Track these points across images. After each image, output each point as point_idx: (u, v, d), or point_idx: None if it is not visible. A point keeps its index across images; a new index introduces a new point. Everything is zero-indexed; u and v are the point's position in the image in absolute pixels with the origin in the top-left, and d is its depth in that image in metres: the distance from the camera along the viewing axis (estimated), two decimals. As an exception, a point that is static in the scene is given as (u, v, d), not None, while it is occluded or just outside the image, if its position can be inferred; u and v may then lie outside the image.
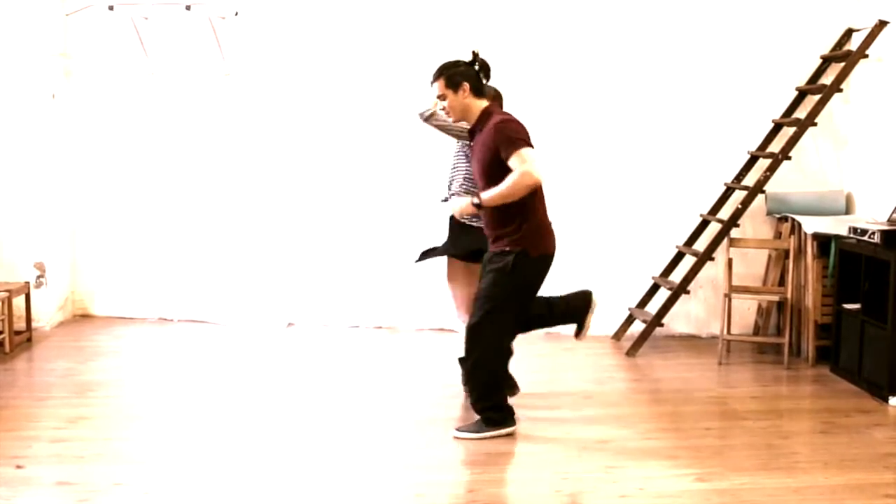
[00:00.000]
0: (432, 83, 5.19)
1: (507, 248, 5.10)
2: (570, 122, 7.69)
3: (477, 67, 5.19)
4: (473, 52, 5.22)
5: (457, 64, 5.18)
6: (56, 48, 7.75)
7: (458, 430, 5.31)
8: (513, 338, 5.44)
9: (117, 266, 8.09)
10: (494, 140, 5.02)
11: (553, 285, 7.62)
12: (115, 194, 8.04)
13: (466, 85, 5.11)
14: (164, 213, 8.03)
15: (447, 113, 5.25)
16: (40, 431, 5.24)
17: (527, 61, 7.63)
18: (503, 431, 5.27)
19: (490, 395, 5.29)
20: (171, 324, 7.98)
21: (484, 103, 5.19)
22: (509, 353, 5.50)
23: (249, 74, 7.86)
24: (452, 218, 5.71)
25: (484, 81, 5.23)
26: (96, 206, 8.06)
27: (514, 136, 5.00)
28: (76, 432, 5.24)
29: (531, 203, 5.07)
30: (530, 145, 5.01)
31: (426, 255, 5.92)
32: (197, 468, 4.78)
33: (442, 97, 5.18)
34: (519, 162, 4.94)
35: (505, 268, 5.08)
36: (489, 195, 5.05)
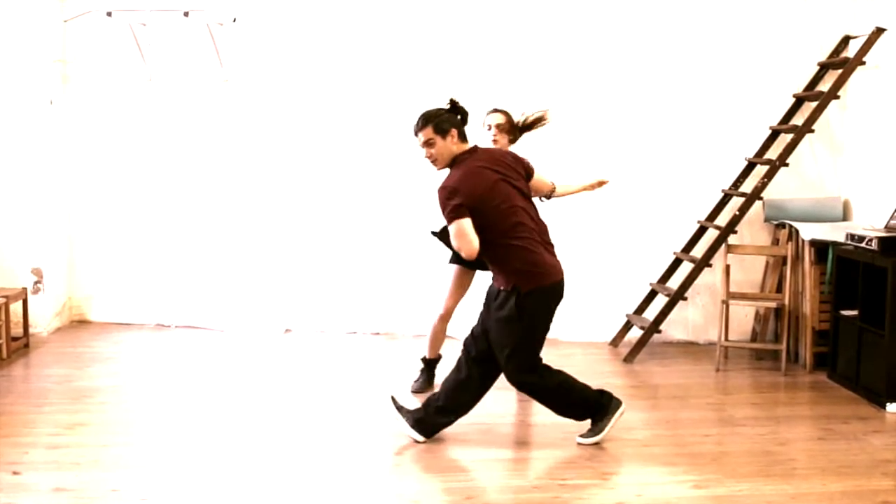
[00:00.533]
0: (417, 132, 5.11)
1: (502, 287, 5.08)
2: (568, 128, 7.69)
3: (458, 115, 5.15)
4: (452, 100, 5.18)
5: (440, 112, 5.12)
6: (54, 54, 7.75)
7: (580, 437, 5.32)
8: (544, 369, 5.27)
9: (115, 272, 8.08)
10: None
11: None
12: (113, 200, 8.03)
13: (454, 131, 5.07)
14: (162, 219, 8.03)
15: (432, 161, 5.16)
16: (37, 438, 5.24)
17: (525, 69, 7.64)
18: (616, 417, 5.30)
19: (575, 408, 5.32)
20: (169, 330, 7.97)
21: (465, 147, 5.13)
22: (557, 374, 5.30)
23: (247, 81, 7.87)
24: None
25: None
26: (94, 212, 8.05)
27: (444, 205, 4.94)
28: (73, 439, 5.23)
29: (510, 245, 4.99)
30: (461, 214, 4.89)
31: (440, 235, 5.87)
32: (194, 474, 4.78)
33: (429, 143, 5.08)
34: (453, 234, 4.94)
35: (507, 314, 5.03)
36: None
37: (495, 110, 6.08)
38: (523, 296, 4.99)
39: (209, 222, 8.00)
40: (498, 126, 5.98)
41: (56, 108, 7.79)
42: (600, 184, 6.19)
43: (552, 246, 5.17)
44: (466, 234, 4.89)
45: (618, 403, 5.33)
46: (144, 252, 8.05)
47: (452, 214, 4.90)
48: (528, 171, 5.28)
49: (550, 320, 5.17)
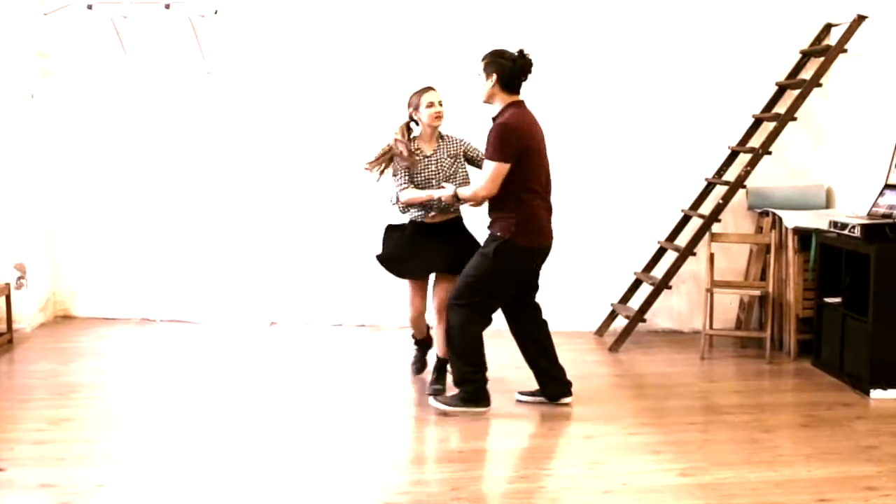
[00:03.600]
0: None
1: (498, 234, 5.43)
2: (551, 118, 7.67)
3: (515, 64, 5.43)
4: (520, 51, 5.49)
5: (502, 54, 5.48)
6: (34, 48, 7.70)
7: (435, 398, 5.66)
8: (487, 322, 5.64)
9: (98, 266, 8.05)
10: (488, 136, 5.43)
11: (540, 282, 7.66)
12: (96, 194, 8.00)
13: (494, 76, 5.40)
14: (146, 213, 7.99)
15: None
16: (22, 433, 5.21)
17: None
18: (474, 410, 5.53)
19: (460, 370, 5.58)
20: (154, 324, 7.95)
21: (510, 98, 5.47)
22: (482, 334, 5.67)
23: (230, 73, 7.83)
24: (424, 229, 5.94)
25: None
26: (77, 207, 8.01)
27: (497, 141, 5.35)
28: (58, 434, 5.21)
29: (525, 197, 5.39)
30: (507, 159, 5.32)
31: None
32: (180, 469, 4.77)
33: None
34: (487, 171, 5.43)
35: (489, 252, 5.46)
36: (463, 194, 5.66)
37: (432, 89, 5.95)
38: (517, 248, 5.40)
39: (193, 216, 7.97)
40: (440, 103, 5.88)
41: (37, 102, 7.74)
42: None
43: (551, 210, 5.63)
44: (498, 179, 5.36)
45: (485, 404, 5.59)
46: (128, 246, 8.02)
47: (498, 155, 5.31)
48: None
49: (526, 277, 5.66)
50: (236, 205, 7.93)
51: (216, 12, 7.69)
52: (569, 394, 5.80)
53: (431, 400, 5.69)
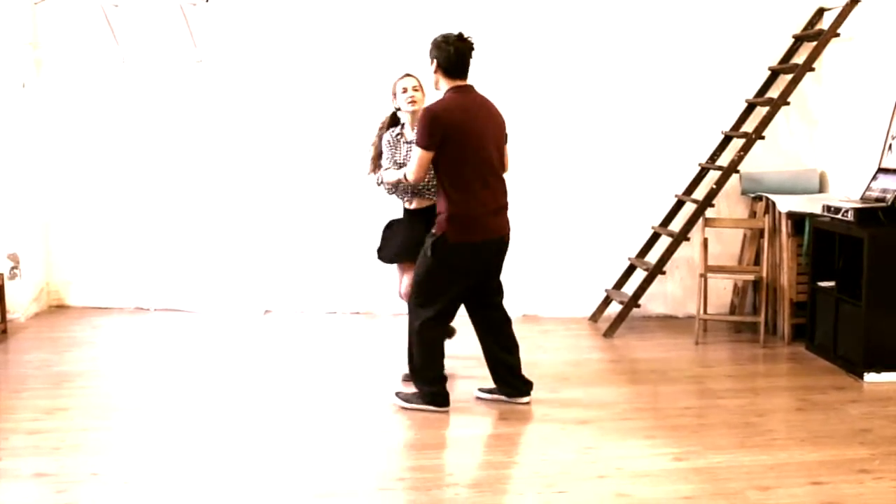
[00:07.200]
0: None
1: (433, 230, 5.34)
2: (543, 105, 7.70)
3: (453, 48, 5.22)
4: (459, 34, 5.30)
5: (445, 38, 5.28)
6: (25, 38, 7.67)
7: (397, 393, 5.61)
8: (441, 321, 5.50)
9: (92, 256, 8.03)
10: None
11: (534, 269, 7.67)
12: (89, 184, 7.98)
13: (435, 62, 5.26)
14: (139, 203, 7.97)
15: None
16: (17, 423, 5.21)
17: (500, 45, 7.60)
18: (428, 408, 5.45)
19: (416, 371, 5.53)
20: (148, 313, 7.94)
21: (454, 83, 5.29)
22: (441, 335, 5.59)
23: (222, 61, 7.81)
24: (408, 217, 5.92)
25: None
26: (70, 196, 7.99)
27: (422, 128, 5.20)
28: (53, 423, 5.21)
29: (451, 193, 5.22)
30: (425, 145, 5.18)
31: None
32: (175, 457, 4.77)
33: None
34: (413, 158, 5.32)
35: (426, 250, 5.33)
36: (393, 177, 5.63)
37: (409, 75, 5.95)
38: (443, 241, 5.23)
39: (187, 205, 7.95)
40: (414, 88, 5.88)
41: (29, 92, 7.72)
42: None
43: (504, 208, 5.39)
44: (423, 166, 5.26)
45: (441, 404, 5.46)
46: (122, 236, 8.01)
47: (422, 142, 5.18)
48: (504, 129, 5.48)
49: (474, 274, 5.37)
50: (230, 193, 7.91)
51: (207, 1, 7.66)
52: (526, 393, 5.58)
53: (394, 397, 5.61)
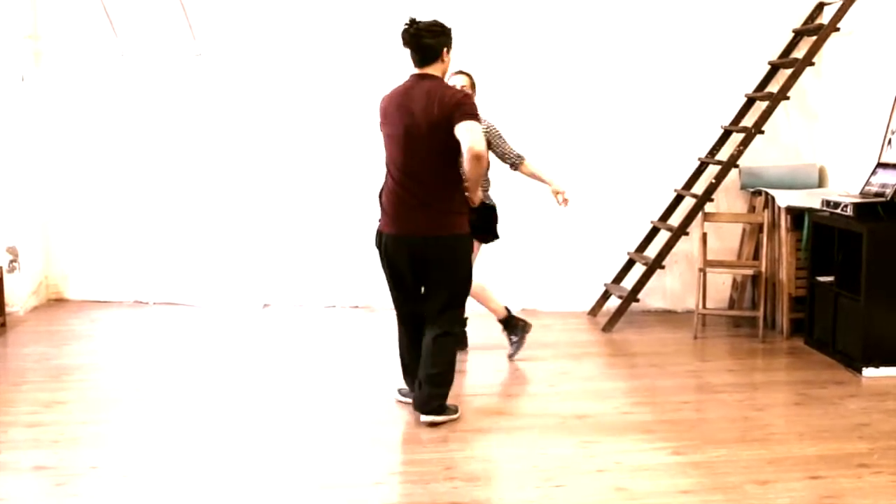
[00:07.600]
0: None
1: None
2: (543, 100, 7.69)
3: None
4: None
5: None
6: (25, 30, 7.66)
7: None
8: (399, 318, 5.35)
9: (91, 249, 8.02)
10: None
11: (533, 263, 7.67)
12: (88, 177, 7.96)
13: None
14: (138, 196, 7.96)
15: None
16: (16, 416, 5.21)
17: (501, 37, 7.60)
18: (406, 400, 5.43)
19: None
20: (147, 306, 7.94)
21: (414, 72, 5.10)
22: (401, 331, 5.38)
23: (221, 54, 7.80)
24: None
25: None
26: (69, 190, 7.98)
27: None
28: (52, 416, 5.21)
29: (386, 177, 5.14)
30: (383, 125, 5.11)
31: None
32: (174, 450, 4.78)
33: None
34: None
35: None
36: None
37: (460, 72, 6.01)
38: (377, 230, 5.17)
39: (186, 198, 7.94)
40: (462, 87, 5.85)
41: (28, 85, 7.70)
42: (556, 194, 6.09)
43: (427, 206, 4.97)
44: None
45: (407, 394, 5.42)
46: (121, 229, 8.00)
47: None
48: (449, 118, 4.85)
49: (388, 265, 5.17)
50: (229, 187, 7.91)
51: (207, -7, 7.66)
52: (423, 413, 5.12)
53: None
